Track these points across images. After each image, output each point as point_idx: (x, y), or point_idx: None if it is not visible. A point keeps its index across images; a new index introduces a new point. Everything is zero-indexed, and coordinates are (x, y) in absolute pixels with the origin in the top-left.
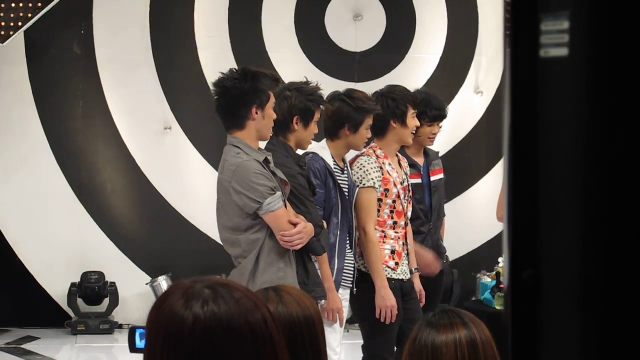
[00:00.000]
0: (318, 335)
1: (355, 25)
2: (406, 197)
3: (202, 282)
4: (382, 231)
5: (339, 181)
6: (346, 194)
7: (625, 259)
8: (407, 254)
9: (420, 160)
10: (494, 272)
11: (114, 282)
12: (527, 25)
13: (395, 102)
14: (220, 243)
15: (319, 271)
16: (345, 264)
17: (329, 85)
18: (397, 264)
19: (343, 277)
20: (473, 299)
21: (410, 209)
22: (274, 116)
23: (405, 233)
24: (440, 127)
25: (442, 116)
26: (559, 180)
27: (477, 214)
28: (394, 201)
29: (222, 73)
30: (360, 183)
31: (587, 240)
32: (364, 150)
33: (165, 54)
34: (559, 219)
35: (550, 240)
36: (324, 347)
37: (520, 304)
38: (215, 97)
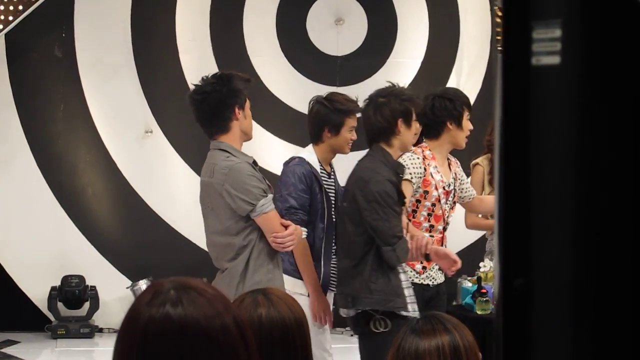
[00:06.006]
0: (307, 337)
1: (337, 30)
2: (448, 202)
3: (171, 283)
4: None
5: (326, 186)
6: (332, 199)
7: (617, 267)
8: None
9: None
10: (475, 277)
11: (94, 286)
12: (519, 33)
13: (452, 102)
14: (202, 247)
15: (403, 282)
16: (331, 269)
17: (310, 89)
18: (424, 268)
19: (330, 282)
20: (454, 303)
21: (452, 214)
22: (250, 116)
23: (442, 238)
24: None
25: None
26: (551, 188)
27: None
28: (433, 204)
29: (194, 85)
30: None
31: (579, 248)
32: (412, 148)
33: (146, 58)
34: (550, 227)
35: (542, 248)
36: (311, 349)
37: (512, 312)
38: (195, 106)
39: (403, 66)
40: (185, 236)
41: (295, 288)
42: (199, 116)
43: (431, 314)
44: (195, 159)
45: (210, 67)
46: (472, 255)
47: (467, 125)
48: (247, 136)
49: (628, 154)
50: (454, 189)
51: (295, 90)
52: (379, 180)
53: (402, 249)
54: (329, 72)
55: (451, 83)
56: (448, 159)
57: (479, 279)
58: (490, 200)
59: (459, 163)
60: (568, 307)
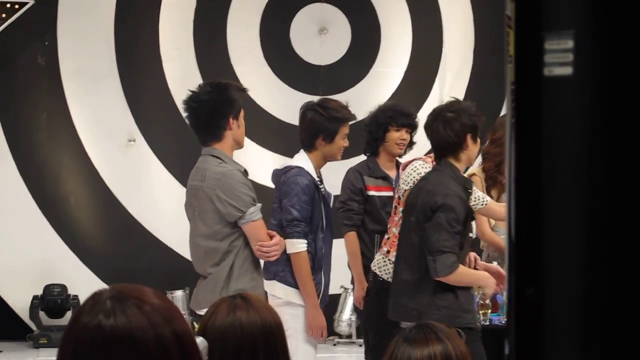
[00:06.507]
0: (286, 342)
1: (321, 39)
2: None
3: (110, 292)
4: None
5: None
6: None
7: (629, 277)
8: None
9: (392, 173)
10: None
11: (76, 295)
12: (531, 44)
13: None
14: (184, 255)
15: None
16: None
17: (293, 98)
18: None
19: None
20: None
21: None
22: (244, 125)
23: None
24: (411, 137)
25: (410, 124)
26: (563, 198)
27: None
28: None
29: (191, 90)
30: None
31: (591, 257)
32: (422, 156)
33: (130, 67)
34: (562, 236)
35: (553, 257)
36: (289, 354)
37: (524, 321)
38: (190, 113)
39: (386, 75)
40: (168, 245)
41: (299, 299)
42: (194, 123)
43: (424, 323)
44: (178, 167)
45: (194, 77)
46: None
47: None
48: (238, 145)
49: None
50: None
51: (279, 99)
52: (447, 194)
53: (443, 264)
54: (313, 81)
55: (434, 93)
56: None
57: None
58: (503, 206)
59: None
60: (580, 316)
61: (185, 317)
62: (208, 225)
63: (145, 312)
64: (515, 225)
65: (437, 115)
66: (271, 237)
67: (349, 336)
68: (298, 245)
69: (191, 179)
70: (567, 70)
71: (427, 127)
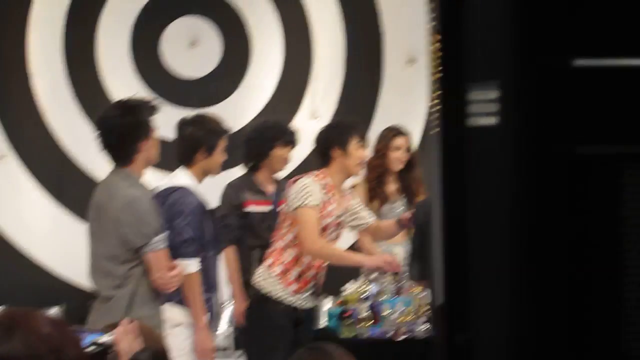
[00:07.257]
0: None
1: (192, 52)
2: (335, 232)
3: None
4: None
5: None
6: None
7: (555, 322)
8: (315, 285)
9: (270, 188)
10: (341, 300)
11: None
12: (456, 94)
13: (337, 129)
14: (58, 274)
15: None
16: None
17: (164, 112)
18: (297, 290)
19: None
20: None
21: (336, 244)
22: (158, 142)
23: (320, 265)
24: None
25: (295, 142)
26: (489, 247)
27: None
28: (323, 230)
29: (103, 111)
30: (305, 201)
31: (517, 304)
32: (310, 173)
33: None
34: (490, 285)
35: (482, 305)
36: None
37: None
38: (100, 135)
39: (259, 88)
40: (41, 264)
41: (183, 317)
42: (104, 145)
43: (316, 346)
44: (51, 183)
45: (64, 91)
46: (333, 277)
47: (357, 152)
48: (150, 163)
49: (562, 211)
50: (342, 221)
51: None
52: None
53: None
54: (184, 94)
55: (307, 104)
56: (345, 194)
57: (344, 302)
58: (386, 226)
59: (352, 197)
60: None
61: None
62: (107, 247)
63: (30, 342)
64: (445, 274)
65: None
66: (172, 267)
67: (225, 349)
68: (191, 266)
69: (97, 195)
70: (491, 120)
71: None
